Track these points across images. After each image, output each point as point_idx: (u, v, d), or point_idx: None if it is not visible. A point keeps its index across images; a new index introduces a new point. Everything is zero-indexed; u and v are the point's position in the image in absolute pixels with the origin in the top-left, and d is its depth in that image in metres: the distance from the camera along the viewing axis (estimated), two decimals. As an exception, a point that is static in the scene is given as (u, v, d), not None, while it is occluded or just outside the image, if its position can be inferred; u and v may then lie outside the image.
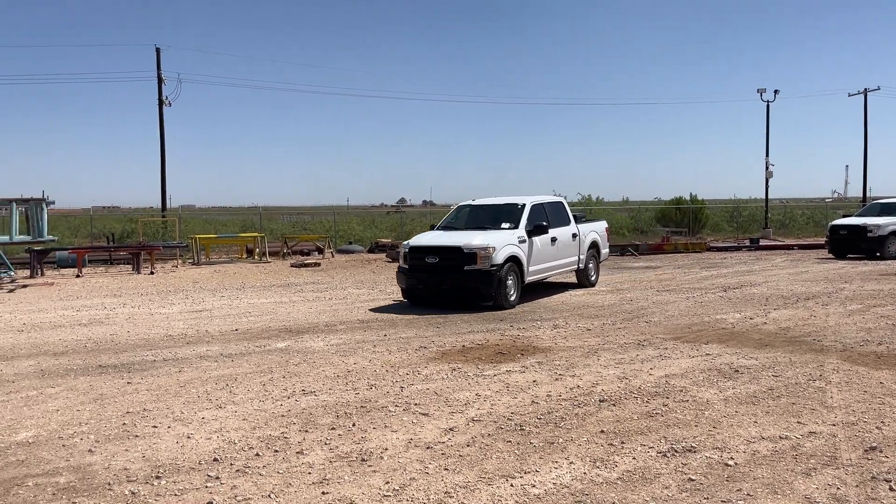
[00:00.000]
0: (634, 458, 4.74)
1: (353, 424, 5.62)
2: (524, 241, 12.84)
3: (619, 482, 4.35)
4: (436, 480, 4.44)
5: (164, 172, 33.49)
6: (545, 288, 15.01)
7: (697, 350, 8.25)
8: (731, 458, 4.72)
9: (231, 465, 4.79)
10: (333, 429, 5.53)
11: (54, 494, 4.34)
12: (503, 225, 13.11)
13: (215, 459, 4.89)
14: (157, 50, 33.50)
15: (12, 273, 20.21)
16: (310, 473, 4.62)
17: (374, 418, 5.78)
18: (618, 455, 4.81)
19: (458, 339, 9.25)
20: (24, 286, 17.65)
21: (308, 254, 27.03)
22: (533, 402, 6.16)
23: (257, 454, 4.99)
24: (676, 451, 4.85)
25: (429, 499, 4.16)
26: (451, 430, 5.44)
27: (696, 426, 5.40)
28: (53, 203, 19.85)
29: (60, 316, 12.40)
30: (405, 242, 13.27)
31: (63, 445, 5.26)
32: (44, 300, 14.89)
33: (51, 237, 19.47)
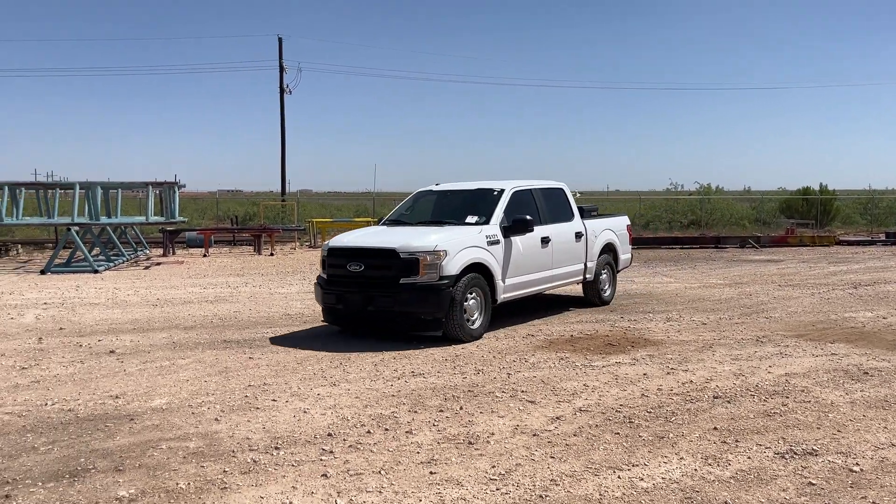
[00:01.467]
0: (749, 458, 4.57)
1: (461, 408, 5.71)
2: (496, 243, 8.78)
3: (731, 481, 4.22)
4: (542, 467, 4.46)
5: (284, 158, 34.97)
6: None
7: (822, 349, 7.82)
8: (857, 463, 4.47)
9: (344, 440, 4.99)
10: (441, 411, 5.64)
11: (185, 458, 4.67)
12: (469, 219, 9.06)
13: (329, 434, 5.11)
14: (279, 40, 34.92)
15: (147, 251, 21.76)
16: (418, 453, 4.74)
17: (480, 403, 5.85)
18: (731, 453, 4.65)
19: (565, 329, 9.19)
20: (158, 264, 18.97)
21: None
22: (643, 395, 6.04)
23: (368, 431, 5.17)
24: (796, 454, 4.64)
25: (534, 485, 4.19)
26: (557, 418, 5.43)
27: (818, 429, 5.14)
28: (184, 186, 21.11)
29: (189, 292, 13.24)
30: (326, 242, 9.25)
31: (192, 413, 5.65)
32: (175, 277, 15.93)
33: (181, 218, 20.75)
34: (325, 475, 4.37)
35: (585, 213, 11.08)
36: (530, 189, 9.98)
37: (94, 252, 19.20)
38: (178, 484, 4.25)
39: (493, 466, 4.48)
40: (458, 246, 8.31)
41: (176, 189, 19.84)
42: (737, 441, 4.88)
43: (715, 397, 5.93)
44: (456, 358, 7.49)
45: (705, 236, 25.56)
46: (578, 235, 10.51)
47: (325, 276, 8.82)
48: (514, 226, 9.06)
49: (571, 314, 10.38)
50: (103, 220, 19.02)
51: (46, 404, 5.93)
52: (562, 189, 10.79)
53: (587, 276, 10.79)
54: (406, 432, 5.15)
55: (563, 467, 4.46)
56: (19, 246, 23.32)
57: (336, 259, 8.59)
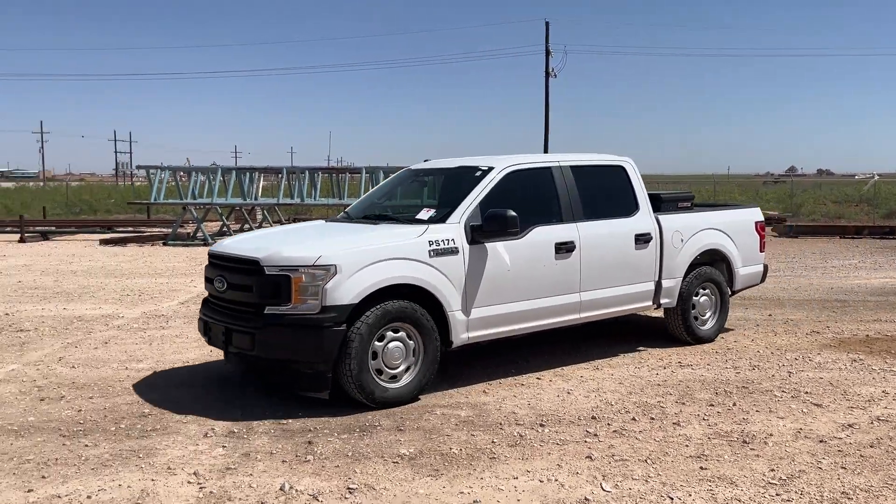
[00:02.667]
0: None
1: (734, 404, 5.36)
2: (450, 252, 5.54)
3: None
4: (830, 478, 4.04)
5: (547, 142, 35.36)
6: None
7: None
8: None
9: (608, 424, 4.96)
10: (712, 405, 5.35)
11: (457, 425, 4.97)
12: (423, 214, 5.94)
13: (593, 417, 5.11)
14: (546, 24, 35.23)
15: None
16: (687, 446, 4.55)
17: (756, 401, 5.45)
18: None
19: (859, 327, 8.17)
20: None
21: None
22: (960, 409, 5.19)
23: (633, 419, 5.07)
24: None
25: (822, 496, 3.81)
26: (849, 426, 4.87)
27: None
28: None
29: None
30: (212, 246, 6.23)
31: (464, 384, 5.97)
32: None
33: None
34: (589, 457, 4.38)
35: (666, 204, 7.32)
36: (546, 167, 6.39)
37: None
38: (451, 448, 4.53)
39: (772, 470, 4.15)
40: (365, 258, 5.22)
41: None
42: None
43: None
44: (727, 351, 7.04)
45: (881, 225, 20.46)
46: (642, 239, 6.70)
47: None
48: (488, 225, 5.62)
49: (867, 311, 9.18)
50: (296, 199, 20.85)
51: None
52: (620, 168, 6.91)
53: (663, 299, 6.98)
54: (673, 423, 4.97)
55: (858, 480, 3.99)
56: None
57: (209, 270, 5.83)
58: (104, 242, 18.22)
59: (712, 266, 7.48)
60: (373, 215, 6.46)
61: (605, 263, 6.48)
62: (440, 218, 5.77)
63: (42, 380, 6.07)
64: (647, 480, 4.04)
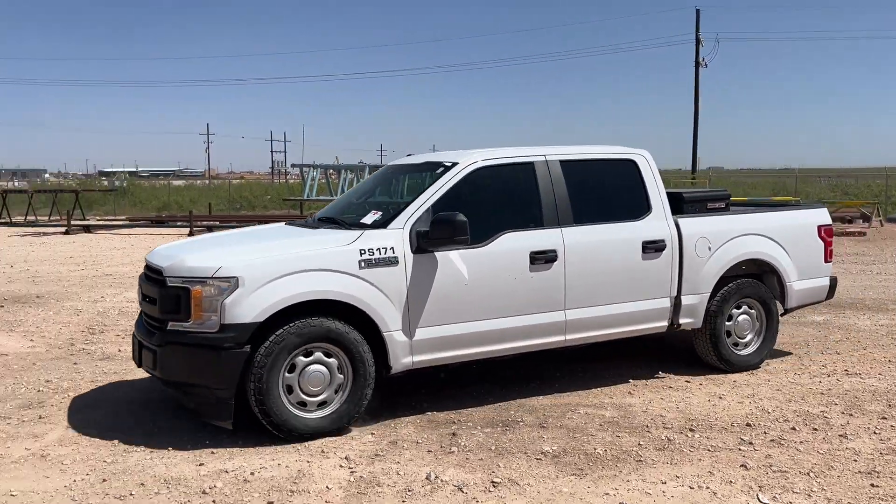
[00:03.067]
0: None
1: (911, 418, 4.91)
2: (388, 263, 4.82)
3: None
4: None
5: (696, 134, 33.91)
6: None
7: None
8: None
9: (764, 433, 4.68)
10: (884, 418, 4.92)
11: (601, 425, 4.88)
12: (368, 217, 5.20)
13: (748, 424, 4.84)
14: (697, 11, 33.74)
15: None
16: (855, 461, 4.22)
17: (938, 416, 4.95)
18: None
19: None
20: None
21: (850, 221, 24.27)
22: None
23: (793, 428, 4.76)
24: None
25: None
26: None
27: None
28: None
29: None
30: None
31: (614, 384, 5.84)
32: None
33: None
34: (744, 466, 4.16)
35: (690, 206, 6.22)
36: (527, 163, 5.48)
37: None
38: (595, 449, 4.46)
39: (958, 493, 3.76)
40: (274, 270, 4.58)
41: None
42: None
43: None
44: (902, 360, 6.44)
45: None
46: (652, 247, 5.63)
47: None
48: (434, 231, 4.83)
49: None
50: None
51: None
52: (629, 163, 5.83)
53: (682, 318, 5.85)
54: (839, 436, 4.61)
55: None
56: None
57: (140, 278, 5.27)
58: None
59: (757, 279, 6.25)
60: (331, 218, 5.61)
61: (600, 276, 5.46)
62: (382, 222, 5.01)
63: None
64: (809, 495, 3.78)
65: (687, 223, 5.88)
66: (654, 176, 5.85)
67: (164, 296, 4.63)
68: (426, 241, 4.86)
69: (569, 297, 5.37)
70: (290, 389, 4.61)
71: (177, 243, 5.53)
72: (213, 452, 4.46)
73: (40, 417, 5.11)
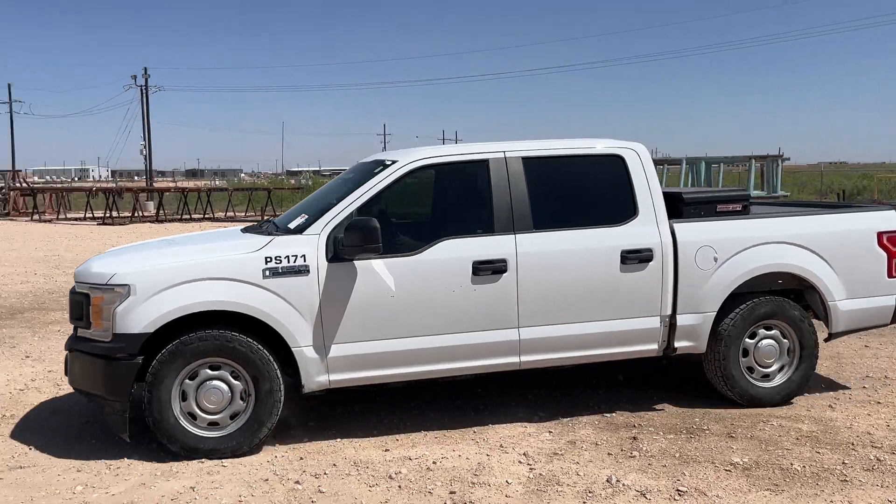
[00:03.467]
0: None
1: None
2: (298, 272, 4.43)
3: None
4: None
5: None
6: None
7: None
8: None
9: None
10: None
11: (797, 439, 4.53)
12: (293, 222, 4.76)
13: (976, 450, 4.29)
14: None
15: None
16: None
17: None
18: None
19: None
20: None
21: None
22: None
23: None
24: None
25: None
26: None
27: None
28: (788, 159, 20.50)
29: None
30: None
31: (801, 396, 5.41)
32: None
33: (783, 192, 20.16)
34: (972, 496, 3.69)
35: (691, 208, 5.29)
36: (478, 161, 4.87)
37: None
38: (791, 464, 4.15)
39: None
40: (169, 278, 4.34)
41: (779, 162, 19.37)
42: None
43: None
44: None
45: None
46: (634, 256, 4.85)
47: None
48: (348, 238, 4.40)
49: None
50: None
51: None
52: (615, 159, 5.04)
53: (679, 342, 5.02)
54: None
55: None
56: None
57: None
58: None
59: (788, 297, 5.21)
60: (270, 222, 5.23)
61: (564, 290, 4.77)
62: (299, 228, 4.63)
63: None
64: None
65: (685, 229, 4.98)
66: (646, 174, 4.98)
67: (71, 301, 4.61)
68: (342, 248, 4.42)
69: (523, 313, 4.72)
70: (186, 405, 4.35)
71: (119, 247, 5.45)
72: (396, 440, 4.66)
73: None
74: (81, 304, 4.46)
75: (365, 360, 4.57)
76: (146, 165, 51.06)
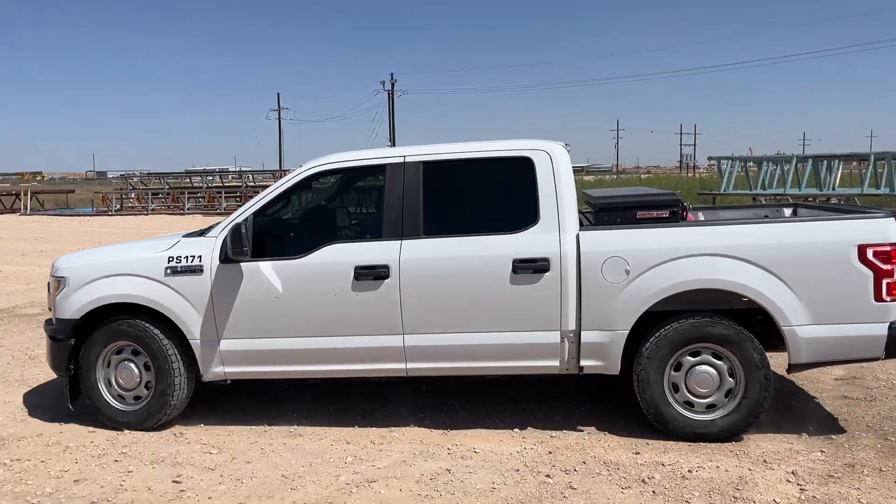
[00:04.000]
0: None
1: None
2: (193, 271, 4.77)
3: None
4: None
5: None
6: None
7: None
8: None
9: None
10: None
11: None
12: (214, 230, 4.96)
13: None
14: None
15: None
16: None
17: None
18: None
19: None
20: None
21: None
22: None
23: None
24: None
25: None
26: None
27: None
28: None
29: None
30: None
31: None
32: None
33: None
34: None
35: (606, 215, 4.73)
36: (377, 166, 4.87)
37: None
38: None
39: None
40: (93, 272, 4.97)
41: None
42: None
43: None
44: None
45: None
46: (528, 266, 4.49)
47: None
48: (228, 242, 4.64)
49: None
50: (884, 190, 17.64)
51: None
52: (525, 162, 4.67)
53: (586, 360, 4.56)
54: None
55: None
56: None
57: None
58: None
59: (729, 318, 4.42)
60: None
61: (451, 298, 4.58)
62: (207, 230, 5.03)
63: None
64: None
65: (590, 238, 4.53)
66: (555, 177, 4.61)
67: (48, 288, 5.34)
68: (224, 250, 4.72)
69: (407, 319, 4.63)
70: (108, 382, 4.97)
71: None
72: (647, 443, 4.50)
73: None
74: (49, 291, 5.26)
75: (255, 357, 4.83)
76: (390, 164, 54.62)
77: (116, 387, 4.99)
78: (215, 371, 4.89)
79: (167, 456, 4.48)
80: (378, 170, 4.91)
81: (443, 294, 4.62)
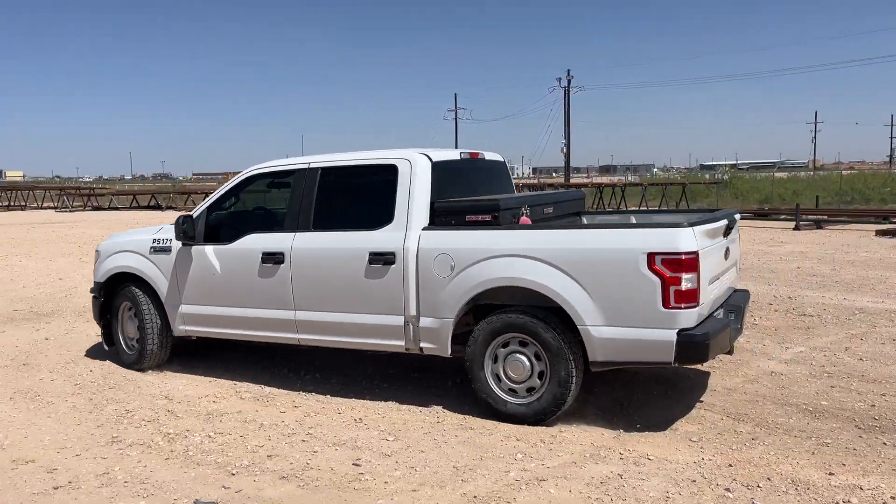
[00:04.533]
0: None
1: None
2: (164, 251, 6.28)
3: None
4: None
5: None
6: None
7: None
8: None
9: None
10: None
11: None
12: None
13: None
14: None
15: None
16: None
17: None
18: None
19: None
20: None
21: None
22: None
23: None
24: None
25: None
26: None
27: None
28: None
29: None
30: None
31: None
32: None
33: None
34: None
35: (444, 216, 5.23)
36: (292, 170, 5.86)
37: None
38: None
39: None
40: (112, 248, 6.70)
41: None
42: None
43: None
44: None
45: None
46: (380, 259, 5.24)
47: None
48: (185, 230, 5.99)
49: None
50: None
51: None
52: (391, 169, 5.36)
53: (424, 343, 5.23)
54: None
55: None
56: None
57: None
58: (880, 233, 17.33)
59: (534, 314, 4.85)
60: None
61: (325, 282, 5.51)
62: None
63: (830, 367, 6.12)
64: None
65: (428, 237, 5.19)
66: (411, 183, 5.25)
67: None
68: (187, 235, 5.99)
69: (297, 297, 5.62)
70: (123, 330, 6.58)
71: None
72: (843, 464, 4.13)
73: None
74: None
75: (201, 319, 6.15)
76: (565, 162, 54.26)
77: (125, 337, 6.58)
78: (180, 328, 6.28)
79: (348, 440, 4.75)
80: (292, 174, 5.86)
81: (320, 278, 5.51)
